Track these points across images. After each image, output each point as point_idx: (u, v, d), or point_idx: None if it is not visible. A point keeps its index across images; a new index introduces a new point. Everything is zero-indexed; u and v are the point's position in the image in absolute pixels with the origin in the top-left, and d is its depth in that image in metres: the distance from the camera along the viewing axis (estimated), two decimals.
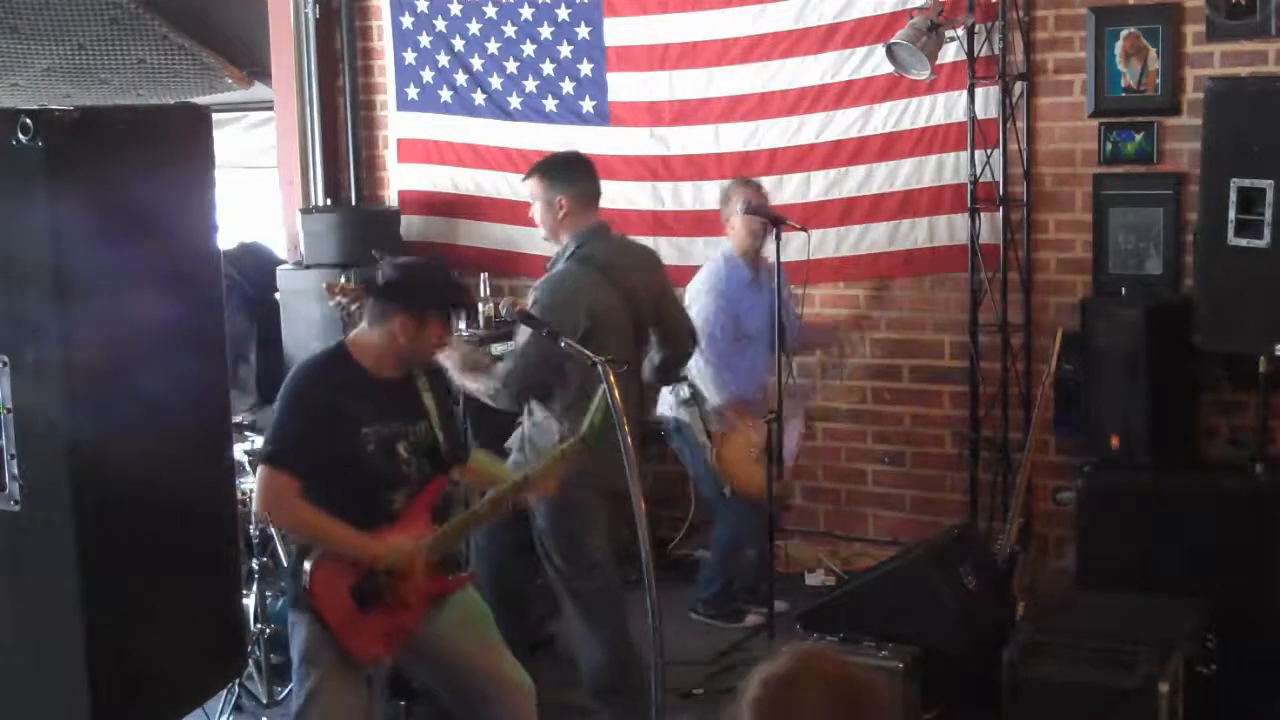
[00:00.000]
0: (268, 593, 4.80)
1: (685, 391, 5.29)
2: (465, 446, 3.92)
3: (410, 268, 3.70)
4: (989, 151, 5.47)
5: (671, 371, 4.81)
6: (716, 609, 5.57)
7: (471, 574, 3.96)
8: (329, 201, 6.85)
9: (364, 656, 3.53)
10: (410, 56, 6.67)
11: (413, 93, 6.70)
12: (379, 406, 3.54)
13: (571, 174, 4.47)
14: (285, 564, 4.78)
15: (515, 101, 6.46)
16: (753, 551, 5.49)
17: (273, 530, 4.76)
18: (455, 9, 6.52)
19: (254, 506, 3.60)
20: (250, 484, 4.73)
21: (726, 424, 5.26)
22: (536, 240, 6.47)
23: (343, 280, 3.68)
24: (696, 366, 5.16)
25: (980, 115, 5.46)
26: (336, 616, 3.46)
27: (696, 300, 5.28)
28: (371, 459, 3.50)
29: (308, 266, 6.42)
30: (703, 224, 5.98)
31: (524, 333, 4.28)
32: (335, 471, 3.47)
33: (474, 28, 6.50)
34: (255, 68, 6.99)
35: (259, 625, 4.70)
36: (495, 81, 6.49)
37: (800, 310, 5.42)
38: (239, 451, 4.61)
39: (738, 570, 5.60)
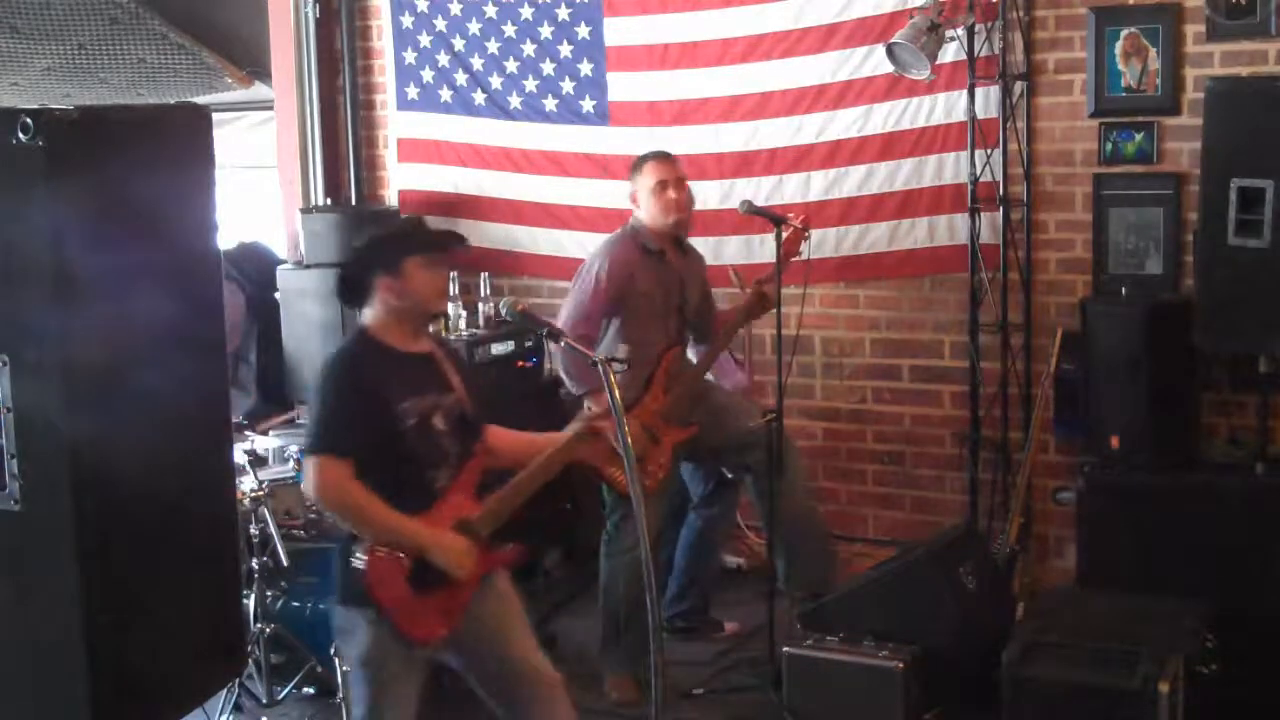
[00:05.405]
0: (268, 593, 4.80)
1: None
2: (481, 418, 3.85)
3: (365, 234, 3.74)
4: (989, 151, 5.47)
5: None
6: (687, 621, 5.43)
7: (517, 548, 3.94)
8: (329, 201, 6.85)
9: (423, 638, 3.53)
10: (410, 56, 6.67)
11: (413, 92, 6.71)
12: (410, 380, 3.56)
13: None
14: (285, 564, 4.78)
15: (515, 101, 6.46)
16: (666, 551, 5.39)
17: (273, 530, 4.76)
18: (455, 9, 6.52)
19: (308, 492, 3.60)
20: (249, 484, 4.73)
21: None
22: (537, 240, 6.53)
23: None
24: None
25: (980, 115, 5.46)
26: (394, 602, 3.46)
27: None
28: (411, 435, 3.51)
29: (308, 266, 6.42)
30: (702, 223, 5.98)
31: None
32: (378, 453, 3.47)
33: (474, 28, 6.50)
34: (255, 67, 6.99)
35: (259, 625, 4.70)
36: (495, 81, 6.49)
37: (802, 310, 5.41)
38: (239, 452, 4.61)
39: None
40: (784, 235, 4.92)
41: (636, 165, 5.04)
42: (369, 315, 3.64)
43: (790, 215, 5.06)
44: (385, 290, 3.57)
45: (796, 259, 5.01)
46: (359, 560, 3.45)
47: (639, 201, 4.99)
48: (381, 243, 3.70)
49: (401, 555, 3.47)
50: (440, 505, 3.55)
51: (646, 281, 4.89)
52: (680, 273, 5.01)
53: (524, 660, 3.68)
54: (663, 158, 5.00)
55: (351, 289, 3.66)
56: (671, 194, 4.93)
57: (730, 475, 5.34)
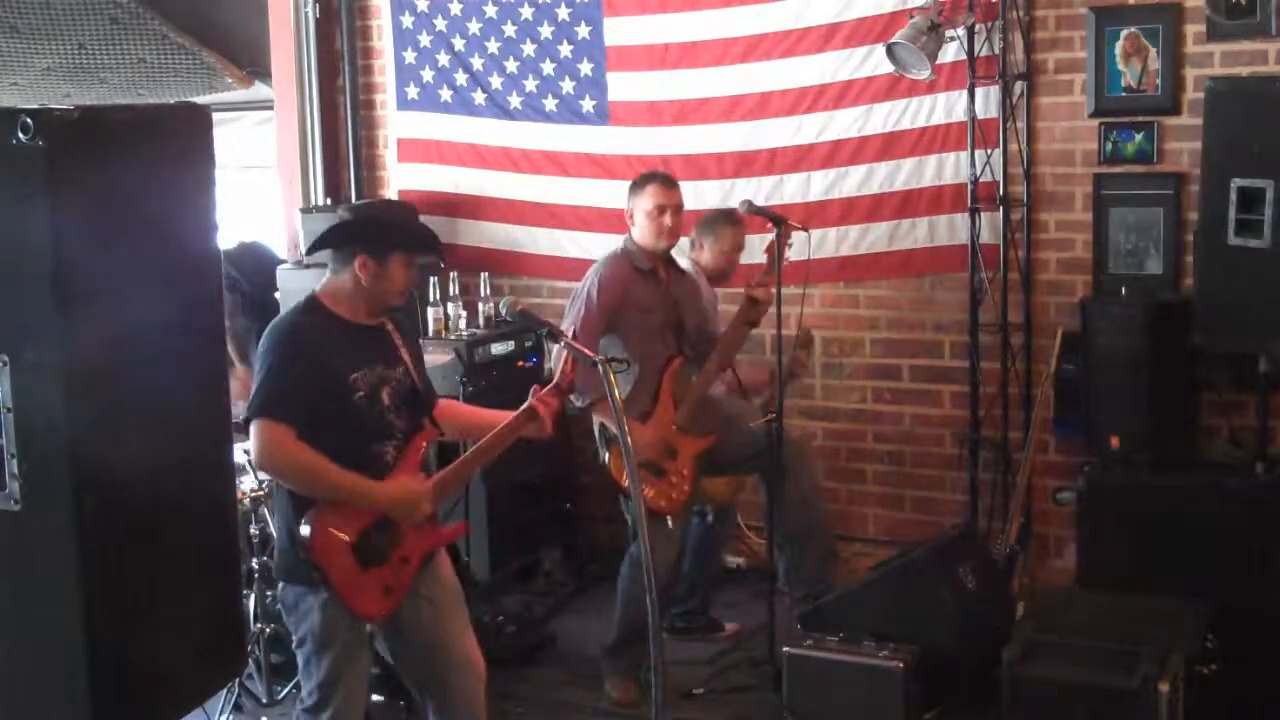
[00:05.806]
0: (268, 593, 4.80)
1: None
2: (432, 392, 3.87)
3: (368, 207, 3.73)
4: (989, 151, 5.47)
5: None
6: (687, 622, 5.47)
7: (463, 525, 3.94)
8: (329, 201, 6.85)
9: (368, 613, 3.54)
10: (410, 56, 6.67)
11: (413, 92, 6.71)
12: (359, 352, 3.55)
13: None
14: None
15: (515, 101, 6.46)
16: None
17: (273, 530, 4.75)
18: (455, 9, 6.52)
19: (253, 460, 3.60)
20: (250, 484, 4.73)
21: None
22: (537, 240, 6.53)
23: None
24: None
25: (980, 115, 5.46)
26: (339, 577, 3.46)
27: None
28: (360, 407, 3.50)
29: (308, 266, 6.43)
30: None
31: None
32: (326, 424, 3.46)
33: (474, 27, 6.50)
34: (256, 67, 6.99)
35: (259, 625, 4.71)
36: (495, 81, 6.49)
37: (801, 310, 5.39)
38: (238, 452, 4.61)
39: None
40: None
41: (638, 184, 5.02)
42: (330, 281, 3.62)
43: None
44: (361, 269, 3.55)
45: (786, 260, 5.00)
46: (304, 528, 3.44)
47: (634, 219, 4.99)
48: (377, 227, 3.71)
49: (344, 533, 3.46)
50: (387, 480, 3.54)
51: (641, 297, 4.90)
52: (674, 292, 5.01)
53: (456, 644, 3.68)
54: (665, 183, 4.98)
55: (327, 246, 3.64)
56: (667, 221, 4.93)
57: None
